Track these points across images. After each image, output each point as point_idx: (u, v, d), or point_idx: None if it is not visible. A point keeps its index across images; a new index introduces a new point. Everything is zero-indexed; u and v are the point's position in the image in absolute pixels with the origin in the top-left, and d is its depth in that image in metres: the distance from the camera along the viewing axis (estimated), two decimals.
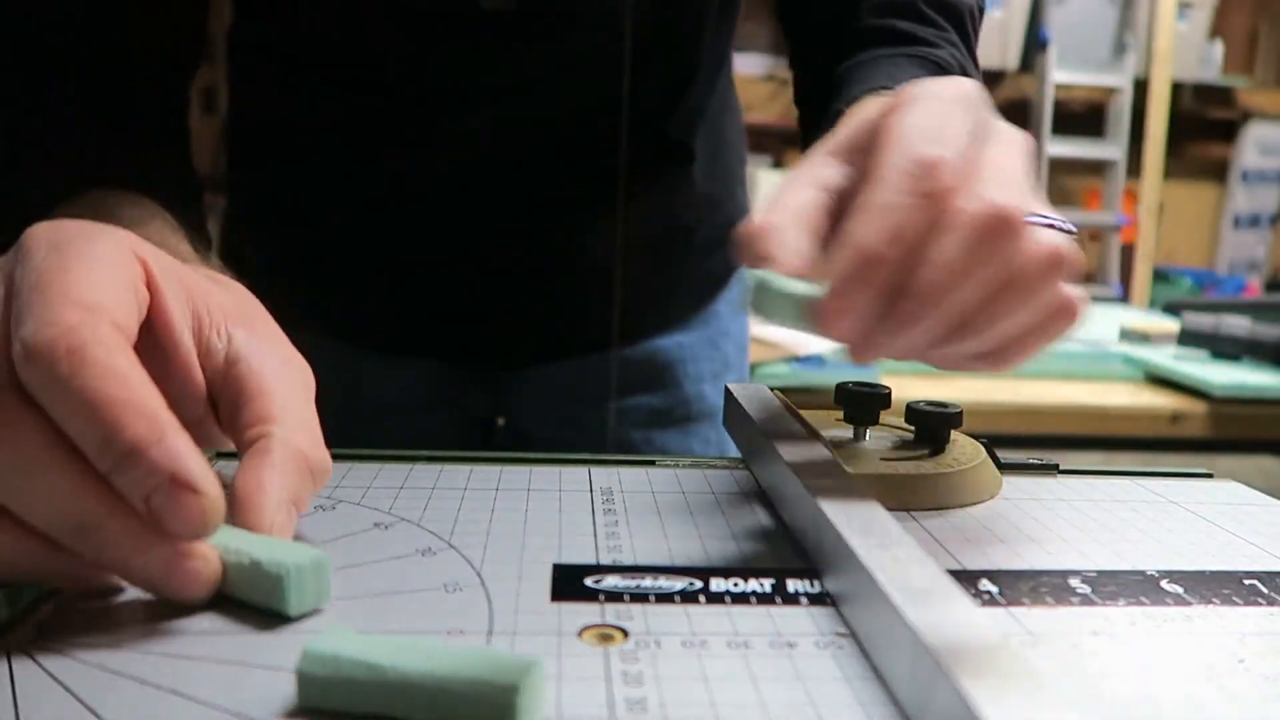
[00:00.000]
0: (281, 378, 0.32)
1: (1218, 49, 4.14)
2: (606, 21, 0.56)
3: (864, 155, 0.33)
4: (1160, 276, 4.16)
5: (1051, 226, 0.32)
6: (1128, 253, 4.07)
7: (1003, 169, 0.32)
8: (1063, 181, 4.18)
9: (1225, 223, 4.52)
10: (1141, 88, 3.95)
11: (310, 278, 0.65)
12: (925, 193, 0.30)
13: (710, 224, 0.68)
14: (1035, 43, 3.85)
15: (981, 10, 0.58)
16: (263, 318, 0.35)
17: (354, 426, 0.66)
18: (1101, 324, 1.65)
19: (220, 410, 0.32)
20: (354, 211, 0.63)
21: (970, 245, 0.30)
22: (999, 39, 3.60)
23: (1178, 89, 4.06)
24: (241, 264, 0.68)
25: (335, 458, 0.43)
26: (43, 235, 0.28)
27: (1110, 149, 3.96)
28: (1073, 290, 0.33)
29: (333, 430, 0.71)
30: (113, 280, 0.27)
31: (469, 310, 0.64)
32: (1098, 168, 4.05)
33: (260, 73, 0.64)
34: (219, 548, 0.28)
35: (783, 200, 0.33)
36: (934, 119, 0.32)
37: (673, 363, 0.68)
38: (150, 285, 0.30)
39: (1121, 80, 3.89)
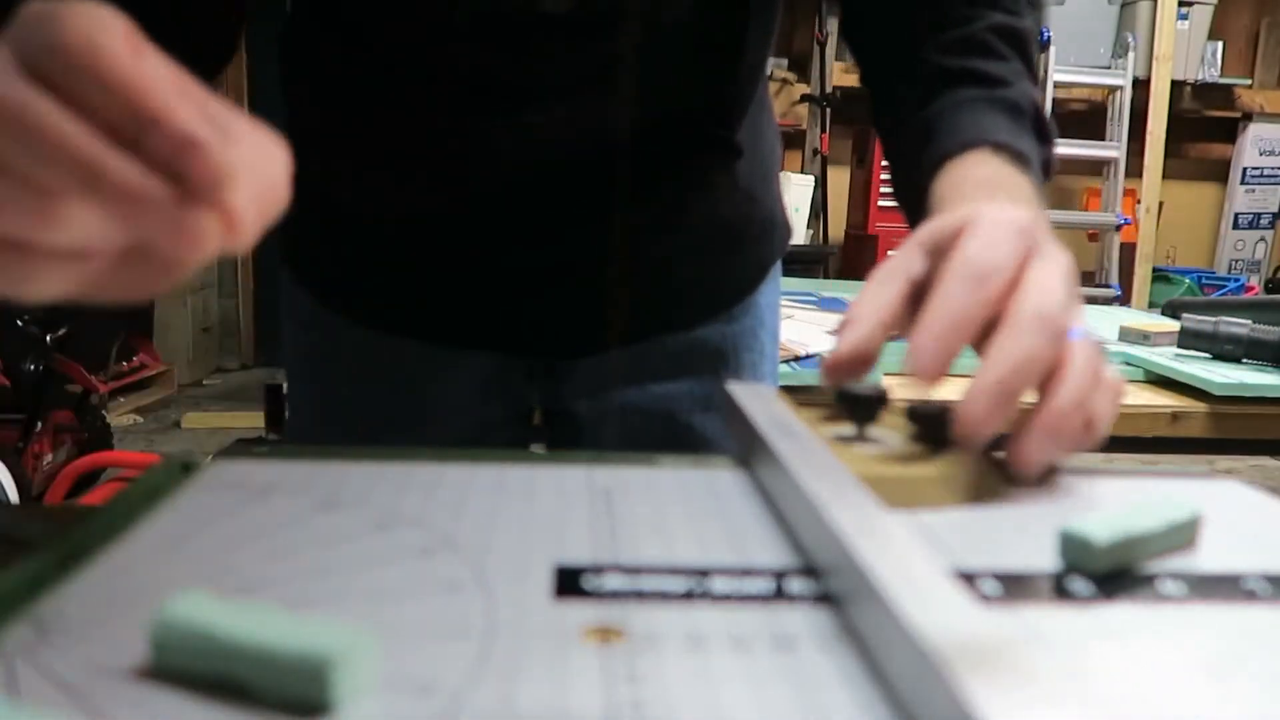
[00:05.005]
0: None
1: (1218, 49, 4.13)
2: (658, 22, 0.59)
3: (939, 254, 0.43)
4: (1160, 276, 4.16)
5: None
6: (1128, 253, 4.06)
7: (1047, 289, 0.40)
8: (1063, 181, 4.18)
9: (1225, 223, 4.51)
10: (1142, 88, 3.94)
11: (367, 274, 0.68)
12: (981, 299, 0.39)
13: (751, 217, 0.71)
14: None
15: (1038, 29, 0.62)
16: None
17: (411, 418, 0.69)
18: (1101, 324, 1.65)
19: None
20: (410, 207, 0.65)
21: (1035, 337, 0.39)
22: None
23: (1178, 89, 4.05)
24: (303, 265, 0.71)
25: (335, 458, 0.44)
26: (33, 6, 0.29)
27: (1110, 149, 3.95)
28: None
29: (392, 422, 0.73)
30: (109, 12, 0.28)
31: (522, 302, 0.66)
32: (1098, 168, 4.04)
33: (316, 72, 0.66)
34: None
35: (870, 293, 0.44)
36: (993, 245, 0.41)
37: (718, 351, 0.71)
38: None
39: (1121, 80, 3.88)
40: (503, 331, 0.68)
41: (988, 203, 0.46)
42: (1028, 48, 0.60)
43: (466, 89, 0.60)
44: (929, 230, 0.45)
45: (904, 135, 0.59)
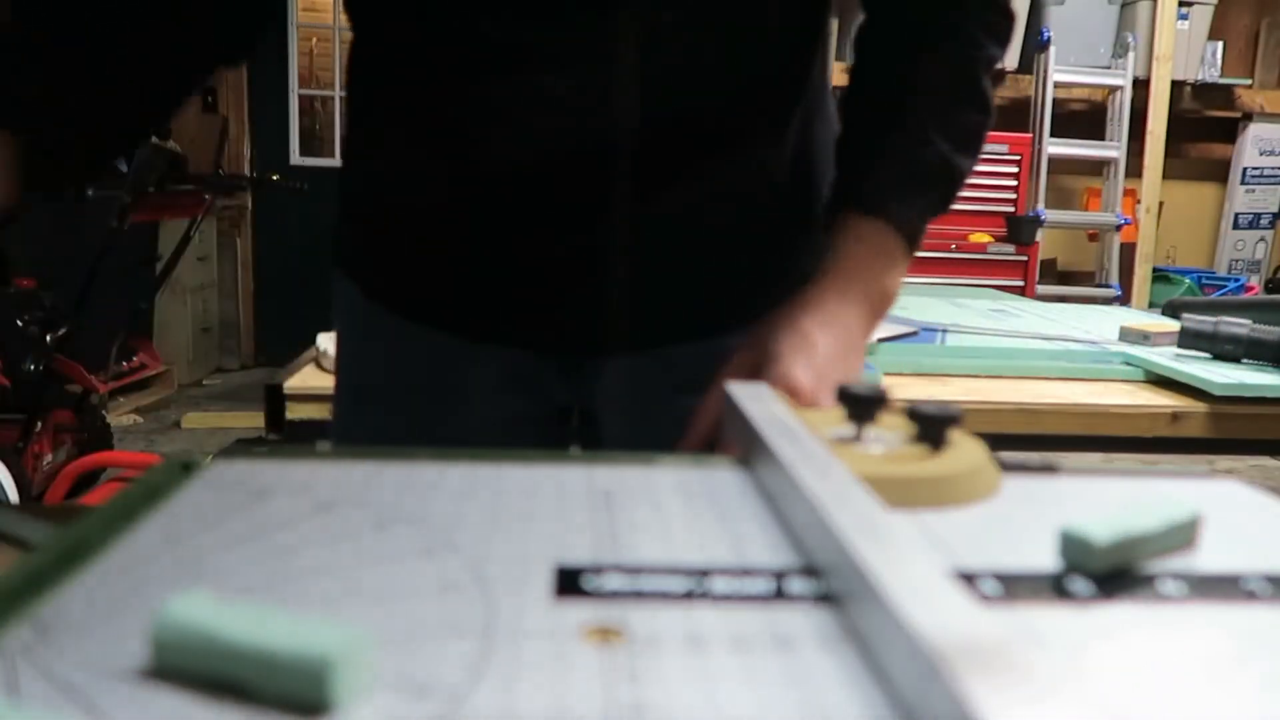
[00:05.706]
0: None
1: (1218, 49, 4.13)
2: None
3: (761, 365, 0.58)
4: (1160, 276, 4.15)
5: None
6: (1128, 253, 4.06)
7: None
8: (1063, 181, 4.18)
9: (1225, 223, 4.51)
10: (1142, 88, 3.94)
11: (404, 263, 0.71)
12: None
13: (794, 221, 0.71)
14: (1035, 43, 3.84)
15: (1001, 52, 0.67)
16: None
17: (444, 411, 0.70)
18: (1101, 324, 1.65)
19: None
20: (450, 199, 0.66)
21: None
22: None
23: (1178, 89, 4.05)
24: (350, 258, 0.75)
25: (334, 457, 0.44)
26: None
27: (1110, 149, 3.95)
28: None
29: (425, 414, 0.77)
30: None
31: (547, 297, 0.67)
32: (1098, 168, 4.04)
33: (371, 67, 0.69)
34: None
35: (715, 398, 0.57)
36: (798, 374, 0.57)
37: None
38: None
39: (1121, 80, 3.88)
40: (529, 327, 0.68)
41: (821, 315, 0.60)
42: (978, 79, 0.65)
43: (492, 55, 0.61)
44: (756, 348, 0.60)
45: (835, 158, 0.67)
